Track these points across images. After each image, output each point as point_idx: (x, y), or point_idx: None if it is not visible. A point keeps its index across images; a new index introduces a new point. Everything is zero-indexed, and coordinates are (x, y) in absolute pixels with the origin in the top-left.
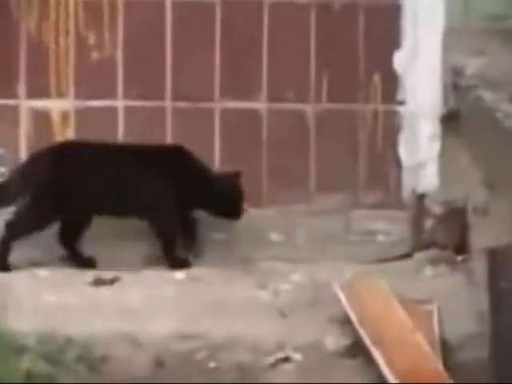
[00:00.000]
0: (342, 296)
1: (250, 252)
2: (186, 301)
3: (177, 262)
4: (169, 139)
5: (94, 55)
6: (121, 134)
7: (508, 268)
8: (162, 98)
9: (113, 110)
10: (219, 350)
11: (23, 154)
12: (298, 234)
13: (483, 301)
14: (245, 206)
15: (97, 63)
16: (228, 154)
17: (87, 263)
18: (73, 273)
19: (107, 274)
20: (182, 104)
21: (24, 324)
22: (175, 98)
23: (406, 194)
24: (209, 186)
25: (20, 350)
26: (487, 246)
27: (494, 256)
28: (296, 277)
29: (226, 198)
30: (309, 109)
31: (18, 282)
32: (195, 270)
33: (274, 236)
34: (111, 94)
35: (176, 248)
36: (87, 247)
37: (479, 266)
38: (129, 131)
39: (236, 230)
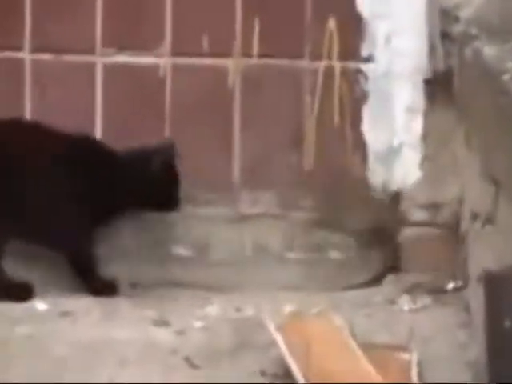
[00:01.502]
0: (279, 339)
1: (146, 274)
2: (50, 344)
3: (100, 287)
4: (27, 100)
5: None
6: None
7: None
8: (20, 49)
9: None
10: None
11: None
12: (216, 247)
13: (480, 345)
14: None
15: None
16: (113, 124)
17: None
18: None
19: None
20: (45, 56)
21: None
22: (35, 50)
23: (374, 192)
24: (132, 177)
25: None
26: (487, 269)
27: (497, 283)
28: (212, 310)
29: (159, 186)
30: (231, 66)
31: None
32: (64, 300)
33: (181, 251)
34: None
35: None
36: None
37: (475, 296)
38: None
39: (124, 242)
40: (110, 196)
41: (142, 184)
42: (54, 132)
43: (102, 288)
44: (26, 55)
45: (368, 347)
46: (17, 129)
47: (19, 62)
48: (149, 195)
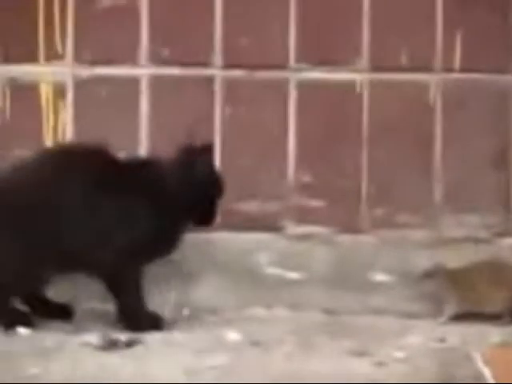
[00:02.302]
0: (487, 372)
1: (336, 300)
2: (243, 377)
3: (147, 320)
4: (217, 119)
5: (106, 1)
6: (144, 115)
7: None
8: (203, 64)
9: (132, 80)
10: None
11: None
12: (414, 274)
13: None
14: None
15: (108, 13)
16: (307, 142)
17: (61, 313)
18: (67, 330)
19: (120, 334)
20: (234, 73)
21: None
22: (226, 66)
23: None
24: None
25: None
26: None
27: None
28: (411, 339)
29: (204, 195)
30: (433, 81)
31: None
32: (257, 328)
33: (378, 277)
34: (130, 58)
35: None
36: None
37: None
38: (155, 110)
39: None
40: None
41: (189, 196)
42: (111, 158)
43: (150, 320)
44: (217, 72)
45: None
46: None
47: (210, 79)
48: (196, 207)
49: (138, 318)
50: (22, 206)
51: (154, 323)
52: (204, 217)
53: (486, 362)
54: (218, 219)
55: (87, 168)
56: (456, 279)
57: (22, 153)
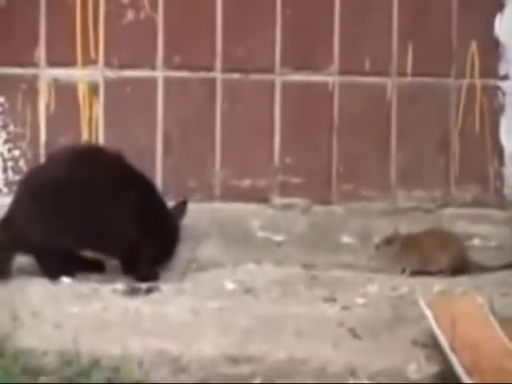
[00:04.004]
0: (428, 314)
1: (312, 257)
2: (237, 317)
3: (146, 274)
4: (218, 113)
5: (129, 16)
6: (160, 111)
7: None
8: (210, 68)
9: (151, 82)
10: (277, 375)
11: (43, 133)
12: (374, 237)
13: None
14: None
15: (132, 26)
16: (288, 133)
17: (94, 266)
18: (100, 280)
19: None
20: (235, 76)
21: (41, 341)
22: (226, 70)
23: (509, 189)
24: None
25: (36, 372)
26: None
27: None
28: (372, 289)
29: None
30: (389, 83)
31: (34, 290)
32: (248, 279)
33: (346, 239)
34: (149, 63)
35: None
36: None
37: None
38: (169, 107)
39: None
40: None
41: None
42: (125, 162)
43: (148, 274)
44: (218, 75)
45: (505, 322)
46: (94, 156)
47: (212, 80)
48: (165, 246)
49: (139, 272)
50: (67, 191)
51: (152, 276)
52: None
53: (429, 306)
54: (219, 192)
55: (112, 169)
56: (409, 243)
57: (64, 141)
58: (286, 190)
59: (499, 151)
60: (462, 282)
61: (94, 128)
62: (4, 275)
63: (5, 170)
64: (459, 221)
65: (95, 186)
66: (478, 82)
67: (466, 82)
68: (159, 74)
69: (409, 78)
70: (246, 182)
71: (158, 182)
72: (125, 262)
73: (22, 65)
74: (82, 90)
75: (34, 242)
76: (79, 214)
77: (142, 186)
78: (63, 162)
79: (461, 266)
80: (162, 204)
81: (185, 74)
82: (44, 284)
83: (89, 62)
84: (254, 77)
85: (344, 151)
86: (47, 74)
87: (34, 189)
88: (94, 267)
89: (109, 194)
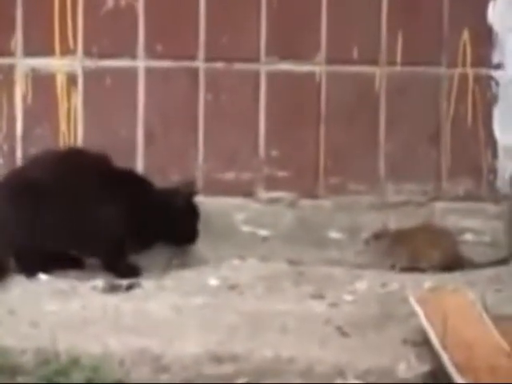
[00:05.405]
0: (419, 311)
1: (299, 253)
2: (221, 314)
3: (126, 270)
4: (201, 103)
5: (109, 3)
6: (141, 102)
7: None
8: (193, 57)
9: (131, 72)
10: (262, 375)
11: (19, 125)
12: (363, 233)
13: None
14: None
15: (112, 13)
16: (274, 124)
17: (73, 263)
18: (79, 277)
19: (121, 280)
20: (215, 65)
21: (18, 340)
22: (209, 59)
23: (502, 182)
24: (160, 212)
25: (14, 372)
26: None
27: None
28: (360, 286)
29: (182, 221)
30: (378, 72)
31: (11, 288)
32: (233, 275)
33: (333, 234)
34: (130, 52)
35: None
36: None
37: None
38: (151, 98)
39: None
40: (142, 227)
41: (168, 219)
42: (108, 163)
43: (128, 270)
44: (200, 64)
45: (496, 319)
46: (76, 158)
47: (195, 70)
48: (173, 229)
49: (119, 268)
50: (47, 192)
51: (133, 272)
52: (186, 236)
53: (419, 303)
54: (203, 186)
55: (93, 170)
56: (399, 239)
57: (41, 133)
58: (271, 183)
59: (492, 143)
60: (454, 278)
61: (73, 120)
62: None
63: None
64: (451, 215)
65: (75, 186)
66: (471, 72)
67: (457, 71)
68: (140, 63)
69: (398, 68)
70: (230, 175)
71: None
72: (105, 259)
73: None
74: (61, 81)
75: (13, 242)
76: (59, 215)
77: (127, 184)
78: (43, 162)
79: (453, 262)
80: (153, 196)
81: (167, 63)
82: (21, 281)
83: (67, 51)
84: (239, 66)
85: (331, 143)
86: (24, 64)
87: (13, 189)
88: (73, 264)
89: (89, 194)
